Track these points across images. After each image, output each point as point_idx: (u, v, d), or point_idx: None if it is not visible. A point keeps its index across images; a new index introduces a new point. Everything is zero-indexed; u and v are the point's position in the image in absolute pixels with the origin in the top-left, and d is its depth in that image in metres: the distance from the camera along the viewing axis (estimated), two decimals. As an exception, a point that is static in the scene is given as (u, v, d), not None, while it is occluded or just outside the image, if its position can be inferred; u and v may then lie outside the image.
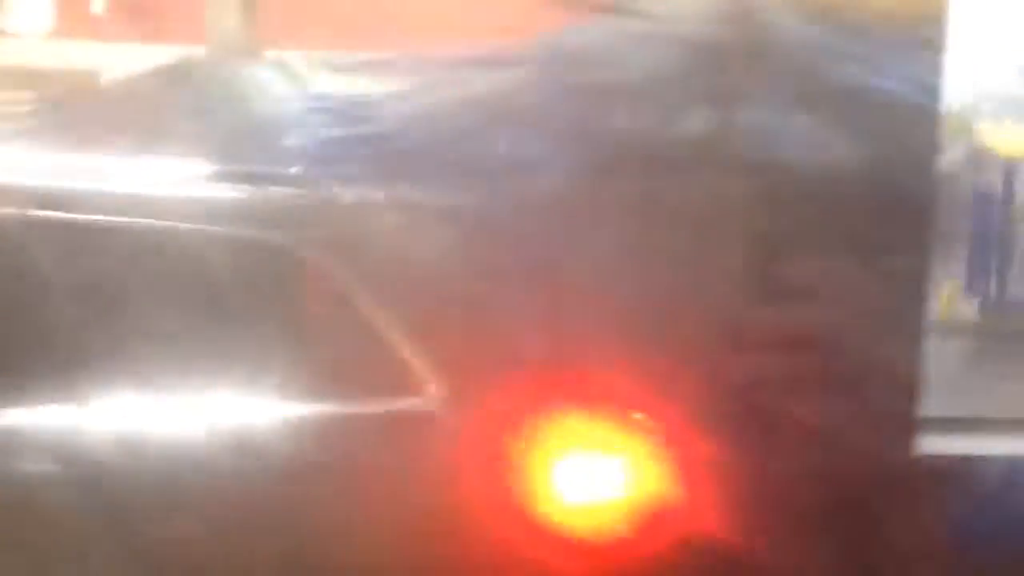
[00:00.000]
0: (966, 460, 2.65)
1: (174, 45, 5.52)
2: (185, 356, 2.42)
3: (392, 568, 2.35)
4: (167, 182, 2.68)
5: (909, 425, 2.54)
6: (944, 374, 2.85)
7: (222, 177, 2.66)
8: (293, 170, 2.99)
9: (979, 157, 5.75)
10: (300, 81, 4.50)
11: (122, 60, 6.02)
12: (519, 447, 2.35)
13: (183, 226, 2.51)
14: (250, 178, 2.71)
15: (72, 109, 5.30)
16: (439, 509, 2.33)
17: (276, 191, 2.65)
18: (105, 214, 2.52)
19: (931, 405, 2.67)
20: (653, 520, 2.40)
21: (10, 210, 2.53)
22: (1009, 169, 5.66)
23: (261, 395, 2.40)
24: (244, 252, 2.47)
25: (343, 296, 2.43)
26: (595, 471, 2.43)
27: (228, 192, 2.62)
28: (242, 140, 3.95)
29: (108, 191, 2.59)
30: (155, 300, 2.47)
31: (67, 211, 2.53)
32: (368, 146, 2.91)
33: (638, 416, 2.42)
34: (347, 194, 2.66)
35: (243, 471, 2.36)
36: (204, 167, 2.67)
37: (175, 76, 4.60)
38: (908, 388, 2.54)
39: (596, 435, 2.41)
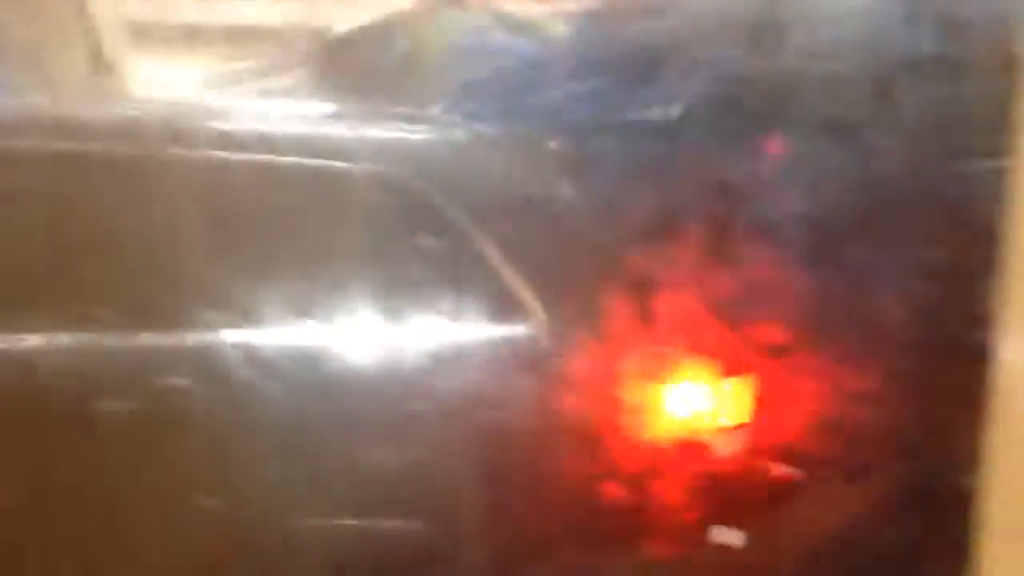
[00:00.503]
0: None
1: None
2: (319, 281, 2.52)
3: (506, 479, 2.45)
4: (303, 122, 2.80)
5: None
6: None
7: (360, 116, 2.83)
8: (431, 110, 3.13)
9: None
10: (524, 29, 4.48)
11: (349, 15, 6.19)
12: (620, 368, 2.49)
13: (310, 162, 2.62)
14: (385, 117, 2.88)
15: (299, 64, 5.52)
16: (545, 425, 2.45)
17: (404, 129, 2.81)
18: (229, 150, 2.59)
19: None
20: (739, 437, 2.59)
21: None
22: None
23: (386, 320, 2.50)
24: (366, 186, 2.57)
25: (456, 227, 2.53)
26: (690, 393, 2.57)
27: (360, 131, 2.76)
28: (432, 85, 4.04)
29: (233, 131, 2.66)
30: (287, 229, 2.56)
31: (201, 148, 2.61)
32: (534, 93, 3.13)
33: (728, 344, 2.55)
34: (467, 133, 2.85)
35: (385, 390, 2.48)
36: (346, 107, 2.80)
37: (392, 28, 4.73)
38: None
39: (690, 361, 2.56)
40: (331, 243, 2.58)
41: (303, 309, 2.55)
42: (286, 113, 3.00)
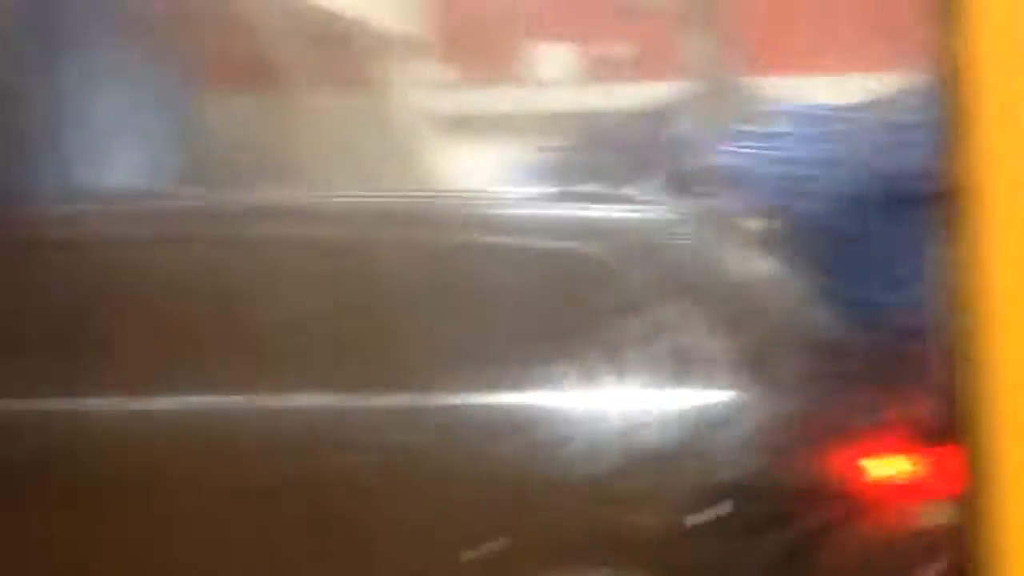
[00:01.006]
0: None
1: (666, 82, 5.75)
2: (537, 350, 2.77)
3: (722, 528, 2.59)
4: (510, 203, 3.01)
5: None
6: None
7: (563, 197, 3.16)
8: (627, 190, 3.28)
9: None
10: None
11: (622, 99, 6.39)
12: (823, 433, 2.62)
13: (513, 241, 2.83)
14: (586, 197, 3.22)
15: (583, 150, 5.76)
16: (756, 483, 2.60)
17: (603, 209, 3.13)
18: (444, 231, 2.85)
19: None
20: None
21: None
22: None
23: (596, 386, 2.72)
24: (561, 262, 2.88)
25: (656, 299, 2.58)
26: (897, 462, 2.64)
27: (561, 209, 3.13)
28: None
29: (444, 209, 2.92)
30: (505, 303, 2.72)
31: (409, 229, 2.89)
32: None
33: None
34: (658, 210, 2.90)
35: (593, 449, 2.67)
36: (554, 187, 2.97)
37: (661, 114, 4.87)
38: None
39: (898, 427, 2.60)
40: (546, 316, 2.73)
41: (522, 377, 2.69)
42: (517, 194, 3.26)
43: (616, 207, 3.08)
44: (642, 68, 6.17)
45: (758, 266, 2.85)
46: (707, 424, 2.60)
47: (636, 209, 3.12)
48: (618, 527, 2.53)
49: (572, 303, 2.79)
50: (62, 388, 2.69)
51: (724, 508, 2.52)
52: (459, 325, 2.78)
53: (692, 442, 2.58)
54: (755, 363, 2.63)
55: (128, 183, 3.62)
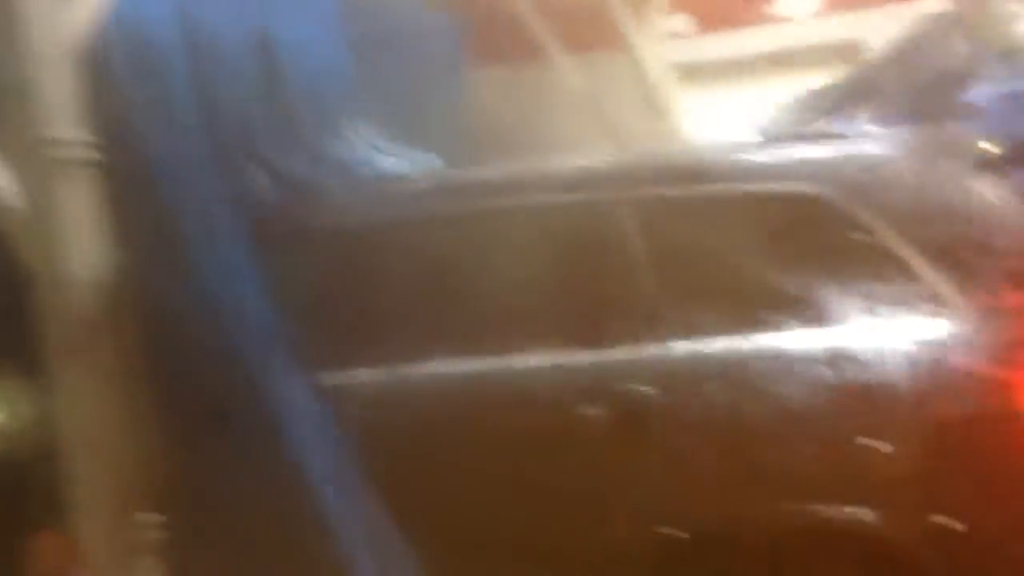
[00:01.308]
0: None
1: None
2: (760, 292, 2.81)
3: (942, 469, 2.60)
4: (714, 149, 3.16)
5: None
6: None
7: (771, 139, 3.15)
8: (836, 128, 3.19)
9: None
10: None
11: (876, 27, 6.18)
12: None
13: (732, 186, 2.94)
14: (794, 137, 3.17)
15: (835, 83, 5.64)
16: (963, 412, 2.61)
17: (812, 148, 3.04)
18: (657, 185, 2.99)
19: None
20: None
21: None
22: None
23: (822, 323, 2.73)
24: (780, 204, 2.87)
25: (871, 233, 2.76)
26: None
27: (771, 152, 3.06)
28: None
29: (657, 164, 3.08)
30: (729, 249, 2.87)
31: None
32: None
33: None
34: (873, 145, 3.01)
35: (825, 383, 2.70)
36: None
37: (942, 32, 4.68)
38: None
39: None
40: (770, 257, 2.81)
41: (741, 319, 2.77)
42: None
43: (838, 144, 3.05)
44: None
45: (985, 193, 2.76)
46: (923, 351, 2.63)
47: (856, 144, 3.05)
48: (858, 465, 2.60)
49: (806, 244, 2.84)
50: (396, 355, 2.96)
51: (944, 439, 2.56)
52: (711, 272, 2.89)
53: (908, 371, 2.62)
54: (970, 290, 2.67)
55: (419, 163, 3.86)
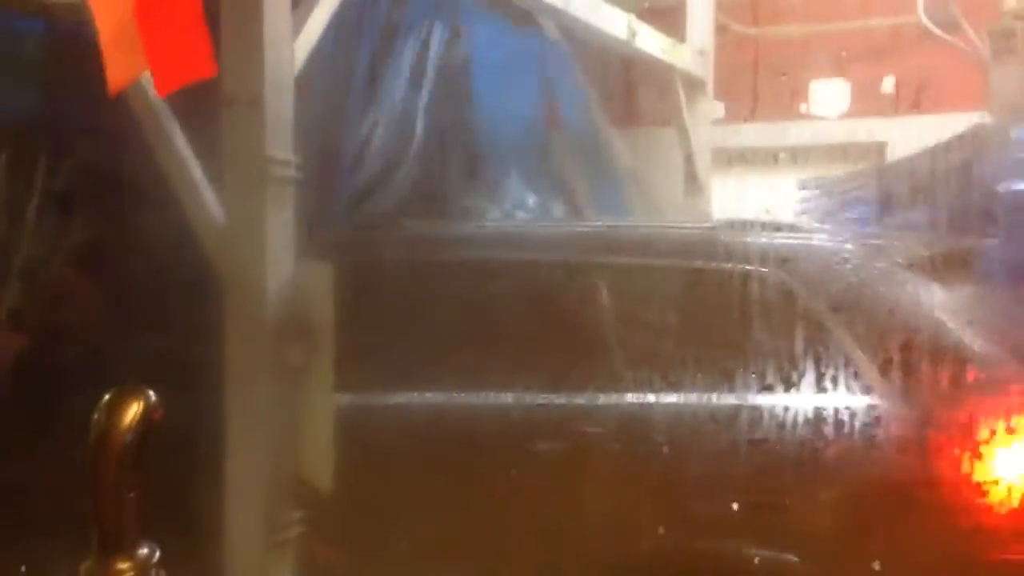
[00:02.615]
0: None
1: (959, 114, 5.96)
2: (712, 359, 3.25)
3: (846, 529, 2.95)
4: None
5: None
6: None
7: (733, 225, 3.59)
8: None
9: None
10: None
11: (905, 132, 6.63)
12: (952, 434, 2.92)
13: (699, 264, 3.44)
14: (758, 226, 3.60)
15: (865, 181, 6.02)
16: (888, 481, 2.97)
17: (778, 236, 3.53)
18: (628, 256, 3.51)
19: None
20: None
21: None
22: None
23: (756, 389, 3.14)
24: (741, 282, 3.32)
25: (813, 313, 3.19)
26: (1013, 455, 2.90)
27: (736, 236, 3.50)
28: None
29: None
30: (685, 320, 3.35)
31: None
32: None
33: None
34: (825, 238, 3.58)
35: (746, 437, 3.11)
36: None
37: (963, 144, 5.07)
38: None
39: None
40: (722, 328, 3.26)
41: (690, 379, 3.19)
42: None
43: (794, 235, 3.58)
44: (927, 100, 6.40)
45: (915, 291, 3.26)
46: (847, 425, 3.05)
47: (808, 237, 3.59)
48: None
49: (753, 318, 3.24)
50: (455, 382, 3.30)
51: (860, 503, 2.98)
52: (664, 336, 3.33)
53: (830, 442, 3.06)
54: (892, 372, 3.07)
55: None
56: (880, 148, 6.73)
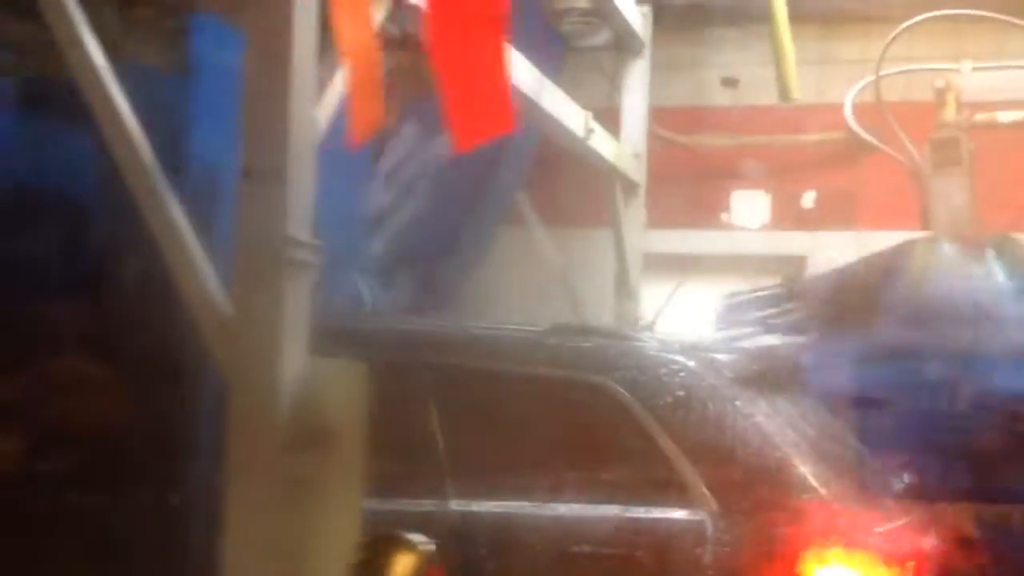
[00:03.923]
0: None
1: (879, 231, 6.11)
2: (538, 466, 3.29)
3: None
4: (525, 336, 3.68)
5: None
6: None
7: (565, 331, 3.64)
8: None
9: None
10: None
11: (827, 246, 6.74)
12: (778, 554, 2.98)
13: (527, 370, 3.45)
14: (585, 332, 3.68)
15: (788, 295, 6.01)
16: None
17: (601, 342, 3.58)
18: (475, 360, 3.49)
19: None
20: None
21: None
22: None
23: (581, 499, 3.20)
24: (569, 389, 3.37)
25: (640, 424, 3.23)
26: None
27: (568, 343, 3.55)
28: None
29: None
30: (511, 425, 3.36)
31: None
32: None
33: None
34: (651, 343, 3.63)
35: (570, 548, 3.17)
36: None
37: (894, 260, 5.10)
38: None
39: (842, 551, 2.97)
40: (548, 435, 3.32)
41: (515, 486, 3.26)
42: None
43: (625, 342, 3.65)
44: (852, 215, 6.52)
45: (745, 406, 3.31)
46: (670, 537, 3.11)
47: (637, 343, 3.65)
48: None
49: (584, 426, 3.31)
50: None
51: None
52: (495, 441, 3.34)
53: (654, 554, 3.09)
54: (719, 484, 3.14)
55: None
56: (800, 261, 6.79)
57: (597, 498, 3.16)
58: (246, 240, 2.46)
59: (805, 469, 3.19)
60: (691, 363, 3.45)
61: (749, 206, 6.87)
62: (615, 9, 5.51)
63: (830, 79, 6.71)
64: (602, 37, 6.08)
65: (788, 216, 6.83)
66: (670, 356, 3.48)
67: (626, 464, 3.23)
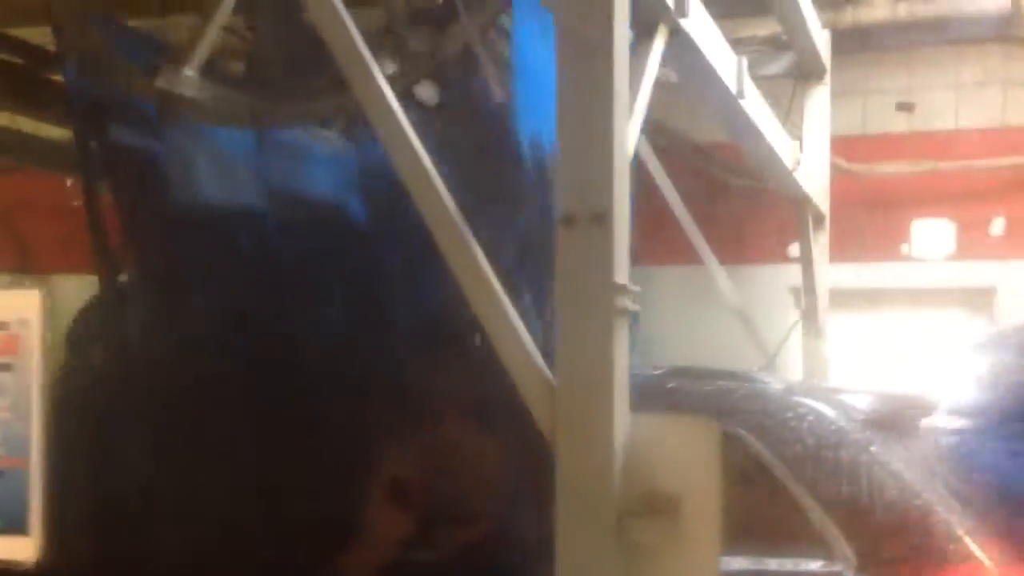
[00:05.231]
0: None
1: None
2: None
3: None
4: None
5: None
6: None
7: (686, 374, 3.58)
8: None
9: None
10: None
11: (1018, 276, 6.38)
12: None
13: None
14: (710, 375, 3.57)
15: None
16: None
17: (726, 385, 3.45)
18: None
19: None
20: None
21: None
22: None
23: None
24: None
25: (768, 471, 3.11)
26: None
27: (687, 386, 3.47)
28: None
29: None
30: None
31: None
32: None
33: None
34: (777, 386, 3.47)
35: None
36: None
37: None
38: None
39: None
40: None
41: None
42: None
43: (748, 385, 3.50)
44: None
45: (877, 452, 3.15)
46: None
47: (760, 385, 3.51)
48: None
49: None
50: None
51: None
52: None
53: None
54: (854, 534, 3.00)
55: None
56: (988, 293, 6.44)
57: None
58: (570, 293, 2.26)
59: (949, 518, 3.01)
60: (820, 407, 3.30)
61: (931, 236, 6.54)
62: (803, 34, 5.26)
63: (1014, 101, 6.40)
64: (778, 65, 5.85)
65: (974, 245, 6.49)
66: (797, 399, 3.33)
67: (756, 512, 3.10)
